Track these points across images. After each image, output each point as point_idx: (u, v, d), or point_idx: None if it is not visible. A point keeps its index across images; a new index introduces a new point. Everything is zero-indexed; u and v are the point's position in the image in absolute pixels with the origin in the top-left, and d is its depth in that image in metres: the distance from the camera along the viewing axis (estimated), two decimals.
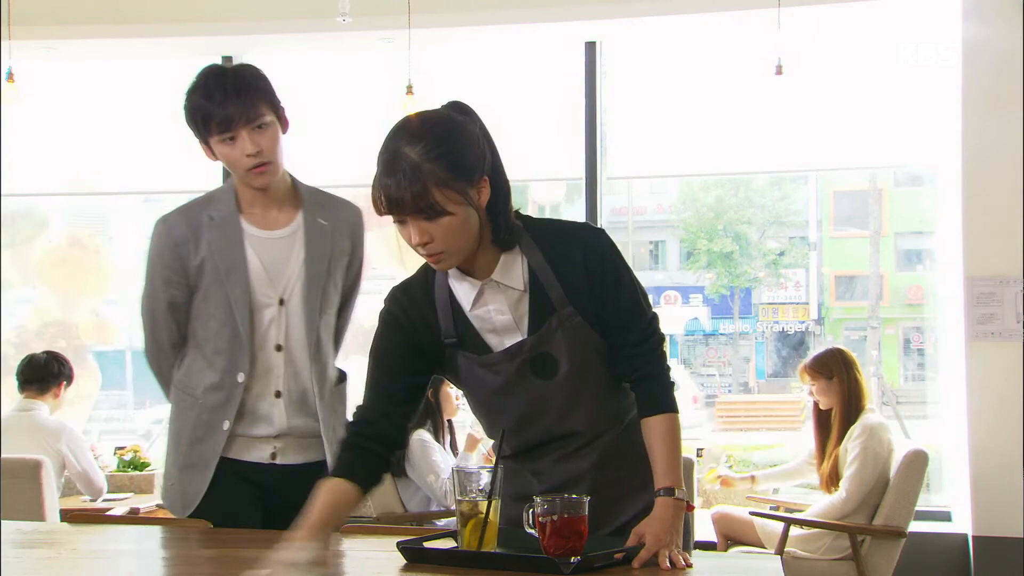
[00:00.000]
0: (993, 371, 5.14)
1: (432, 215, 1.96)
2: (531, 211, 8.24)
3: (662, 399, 2.12)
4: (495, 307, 2.10)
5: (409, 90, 5.11)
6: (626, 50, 5.97)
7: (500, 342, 2.11)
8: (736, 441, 7.00)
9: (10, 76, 5.15)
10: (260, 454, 2.71)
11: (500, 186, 2.07)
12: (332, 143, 5.89)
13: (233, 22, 5.80)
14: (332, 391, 2.77)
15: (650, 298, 2.21)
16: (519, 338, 2.09)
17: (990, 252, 5.17)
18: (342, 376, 2.85)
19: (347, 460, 2.11)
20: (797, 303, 7.58)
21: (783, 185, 7.65)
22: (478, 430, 5.01)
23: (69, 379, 5.13)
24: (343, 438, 2.17)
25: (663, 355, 2.16)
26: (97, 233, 7.53)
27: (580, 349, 2.10)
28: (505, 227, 2.07)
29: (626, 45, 5.94)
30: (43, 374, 5.03)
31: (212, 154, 2.66)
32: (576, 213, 6.02)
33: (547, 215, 7.46)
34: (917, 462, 4.51)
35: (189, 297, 2.70)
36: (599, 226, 2.19)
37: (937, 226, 6.03)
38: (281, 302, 2.68)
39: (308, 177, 2.86)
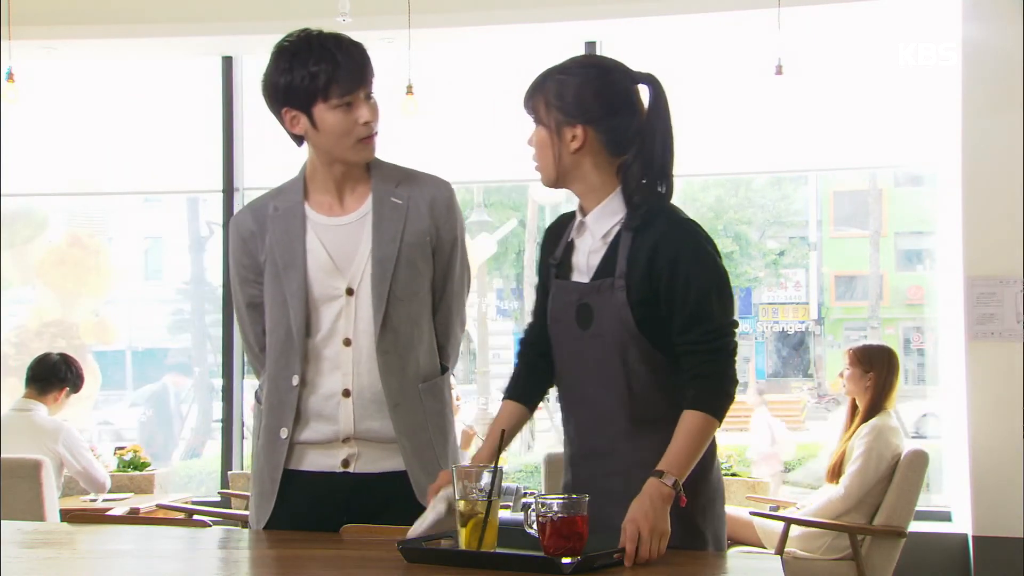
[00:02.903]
0: (993, 371, 5.14)
1: (536, 120, 2.25)
2: (531, 211, 8.22)
3: (703, 399, 2.15)
4: (582, 245, 2.28)
5: (409, 90, 5.11)
6: (626, 50, 5.97)
7: (577, 278, 2.28)
8: (736, 441, 7.00)
9: (10, 76, 5.15)
10: (331, 462, 2.44)
11: (641, 156, 2.21)
12: None
13: (233, 22, 5.80)
14: (421, 389, 2.48)
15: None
16: (585, 280, 2.25)
17: (990, 252, 5.17)
18: (442, 370, 2.57)
19: (516, 381, 2.38)
20: (797, 303, 7.58)
21: (783, 185, 7.64)
22: (481, 430, 5.01)
23: (75, 386, 5.07)
24: (517, 355, 2.40)
25: (724, 360, 2.17)
26: (97, 233, 7.54)
27: (615, 321, 2.18)
28: (636, 192, 2.21)
29: (626, 45, 5.94)
30: (47, 376, 5.01)
31: (310, 125, 2.41)
32: None
33: (547, 215, 7.47)
34: (917, 462, 4.51)
35: None
36: (695, 225, 2.22)
37: (937, 226, 6.03)
38: (350, 292, 2.43)
39: None
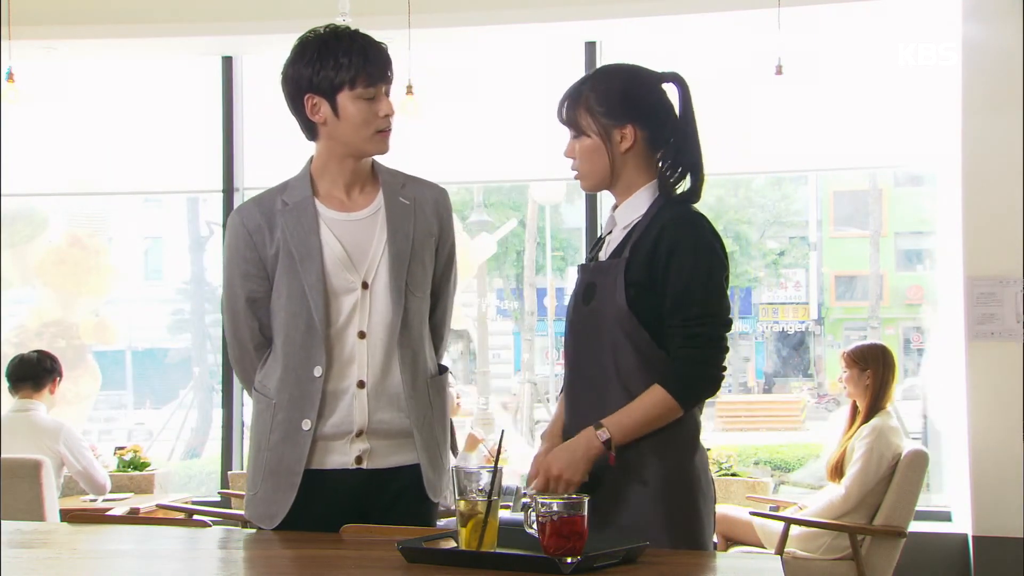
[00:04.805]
0: (993, 371, 5.14)
1: (577, 132, 2.35)
2: (531, 211, 8.16)
3: (669, 378, 2.23)
4: (609, 238, 2.40)
5: (409, 90, 5.11)
6: (626, 50, 5.97)
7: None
8: (736, 441, 7.00)
9: (10, 76, 5.15)
10: (344, 459, 2.48)
11: (677, 151, 2.36)
12: None
13: (233, 22, 5.80)
14: (428, 382, 2.55)
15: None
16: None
17: (990, 252, 5.17)
18: (442, 369, 2.65)
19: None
20: (797, 303, 7.59)
21: (783, 185, 7.65)
22: (479, 430, 5.01)
23: (61, 375, 5.12)
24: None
25: (702, 348, 2.23)
26: (97, 233, 7.54)
27: (611, 297, 2.28)
28: (672, 187, 2.35)
29: (626, 45, 5.94)
30: (36, 371, 5.01)
31: (331, 113, 2.47)
32: (576, 213, 6.02)
33: (547, 215, 7.48)
34: (917, 462, 4.51)
35: (269, 290, 2.53)
36: (703, 219, 2.31)
37: (937, 226, 6.04)
38: (365, 286, 2.49)
39: None
